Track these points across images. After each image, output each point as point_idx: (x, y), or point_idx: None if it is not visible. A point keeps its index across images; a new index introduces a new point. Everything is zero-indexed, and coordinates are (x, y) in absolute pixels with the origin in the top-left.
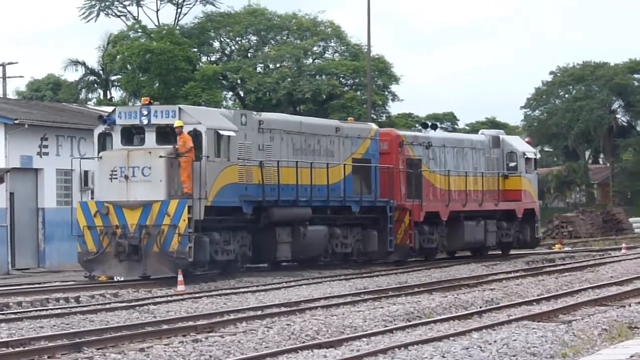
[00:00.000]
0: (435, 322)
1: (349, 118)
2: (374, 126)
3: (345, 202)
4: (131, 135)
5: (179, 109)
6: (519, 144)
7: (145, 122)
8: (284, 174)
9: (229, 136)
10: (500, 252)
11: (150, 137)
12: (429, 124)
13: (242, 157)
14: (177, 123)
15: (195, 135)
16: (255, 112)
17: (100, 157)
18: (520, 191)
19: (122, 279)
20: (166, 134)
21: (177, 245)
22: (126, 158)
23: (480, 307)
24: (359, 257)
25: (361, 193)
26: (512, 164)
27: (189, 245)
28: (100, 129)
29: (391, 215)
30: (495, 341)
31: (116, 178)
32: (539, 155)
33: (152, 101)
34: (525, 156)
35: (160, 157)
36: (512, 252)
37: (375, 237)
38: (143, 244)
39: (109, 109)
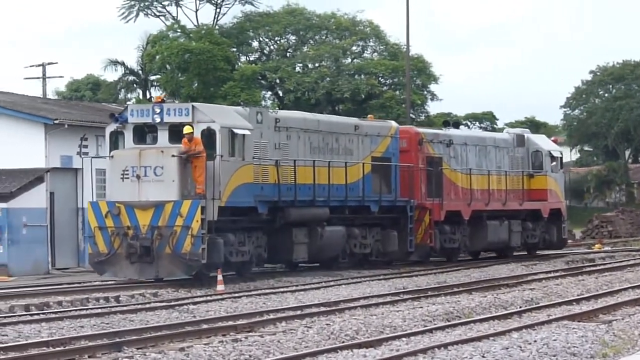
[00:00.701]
0: (474, 322)
1: (368, 116)
2: (393, 124)
3: (364, 201)
4: (143, 133)
5: (192, 107)
6: (545, 143)
7: (158, 120)
8: (301, 174)
9: (243, 135)
10: (526, 253)
11: (163, 136)
12: (451, 122)
13: (258, 156)
14: (186, 129)
15: (209, 133)
16: (271, 110)
17: (112, 156)
18: (546, 190)
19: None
20: (179, 133)
21: (190, 246)
22: (138, 157)
23: (520, 307)
24: (379, 258)
25: (380, 192)
26: (537, 163)
27: (202, 246)
28: (112, 127)
29: (411, 215)
30: (535, 341)
31: (128, 178)
32: (576, 155)
33: (164, 99)
34: (551, 155)
35: (173, 156)
36: (549, 252)
37: (395, 237)
38: (155, 245)
39: None
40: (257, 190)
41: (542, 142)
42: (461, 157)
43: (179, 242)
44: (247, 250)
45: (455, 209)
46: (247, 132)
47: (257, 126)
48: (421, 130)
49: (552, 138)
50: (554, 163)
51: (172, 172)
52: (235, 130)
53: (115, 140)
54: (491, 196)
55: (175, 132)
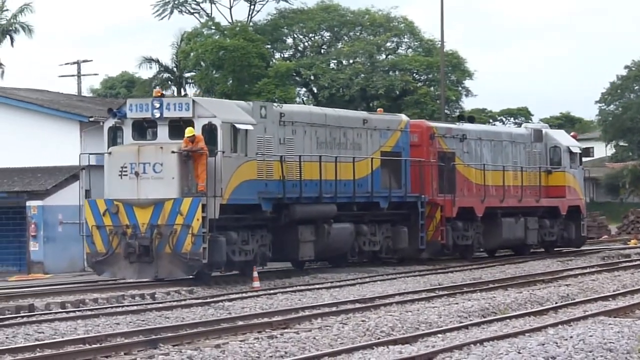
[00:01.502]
0: (510, 318)
1: (378, 109)
2: (404, 117)
3: (373, 197)
4: (143, 129)
5: (193, 101)
6: (563, 138)
7: (158, 115)
8: (307, 169)
9: (246, 130)
10: (543, 251)
11: (163, 131)
12: (465, 116)
13: (262, 152)
14: (189, 132)
15: (210, 129)
16: (276, 104)
17: (110, 153)
18: (564, 187)
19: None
20: (179, 128)
21: (190, 246)
22: (136, 153)
23: (556, 303)
24: (388, 255)
25: (390, 188)
26: (555, 159)
27: (202, 246)
28: (110, 122)
29: (422, 211)
30: (571, 337)
31: (126, 175)
32: (611, 150)
33: (163, 93)
34: (570, 151)
35: (173, 152)
36: (585, 248)
37: (406, 233)
38: (154, 244)
39: None
40: (261, 187)
41: (561, 137)
42: (475, 152)
43: (179, 241)
44: (251, 249)
45: (468, 205)
46: (249, 127)
47: (260, 121)
48: (433, 124)
49: (572, 133)
50: (573, 159)
51: (172, 169)
52: (238, 125)
53: (114, 136)
54: (506, 192)
55: (176, 128)
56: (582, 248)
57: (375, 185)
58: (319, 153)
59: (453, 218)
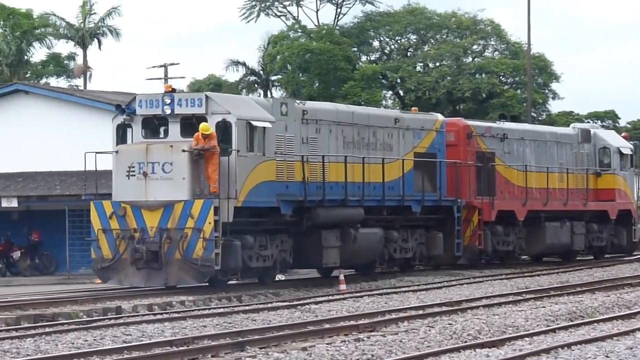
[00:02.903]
0: (598, 321)
1: (412, 108)
2: (439, 117)
3: (405, 201)
4: (153, 126)
5: (206, 96)
6: (613, 139)
7: (168, 111)
8: (331, 170)
9: (264, 127)
10: (593, 258)
11: (175, 129)
12: (507, 115)
13: (282, 152)
14: (203, 128)
15: (225, 126)
16: (298, 101)
17: (117, 152)
18: (614, 190)
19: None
20: (192, 125)
21: (201, 251)
22: (145, 152)
23: None
24: (422, 263)
25: (423, 191)
26: (605, 161)
27: (215, 251)
28: (118, 119)
29: (459, 216)
30: None
31: (134, 175)
32: None
33: (175, 89)
34: (620, 152)
35: (183, 151)
36: (638, 254)
37: (441, 239)
38: (164, 249)
39: None
40: (281, 188)
41: (611, 138)
42: (517, 152)
43: (190, 246)
44: (269, 255)
45: (508, 208)
46: (267, 124)
47: (281, 118)
48: (471, 123)
49: (623, 134)
50: (624, 161)
51: (183, 169)
52: (254, 123)
53: (123, 134)
54: (550, 195)
55: (188, 125)
56: (635, 254)
57: (407, 189)
58: (345, 153)
59: (492, 222)
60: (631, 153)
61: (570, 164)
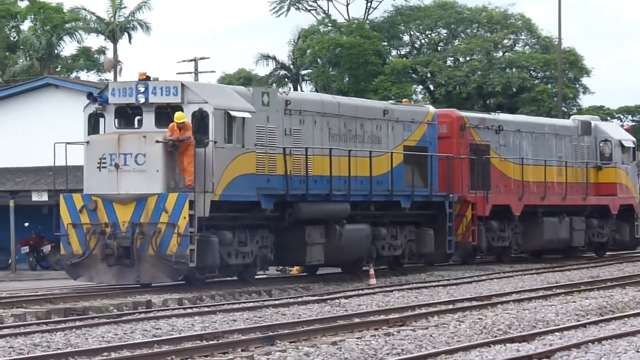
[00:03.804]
0: (628, 316)
1: (403, 100)
2: (431, 109)
3: (393, 196)
4: (127, 116)
5: (182, 84)
6: (615, 131)
7: (142, 100)
8: (315, 164)
9: (243, 118)
10: (595, 255)
11: (149, 119)
12: (503, 107)
13: (262, 144)
14: (178, 117)
15: (201, 116)
16: (281, 91)
17: (88, 142)
18: (615, 184)
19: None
20: (167, 115)
21: (176, 247)
22: (117, 143)
23: None
24: (412, 261)
25: (413, 186)
26: (606, 154)
27: (190, 247)
28: (90, 108)
29: (450, 212)
30: None
31: (105, 167)
32: None
33: (149, 76)
34: (622, 145)
35: (157, 142)
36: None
37: (432, 236)
38: (136, 245)
39: None
40: (262, 182)
41: (613, 130)
42: (513, 144)
43: (164, 242)
44: (249, 251)
45: (503, 202)
46: (247, 114)
47: (262, 109)
48: (464, 114)
49: (625, 127)
50: (626, 154)
51: (156, 161)
52: (233, 113)
53: (95, 124)
54: (548, 189)
55: (163, 115)
56: (638, 250)
57: (397, 183)
58: (330, 146)
59: (486, 217)
60: (633, 146)
61: (569, 157)
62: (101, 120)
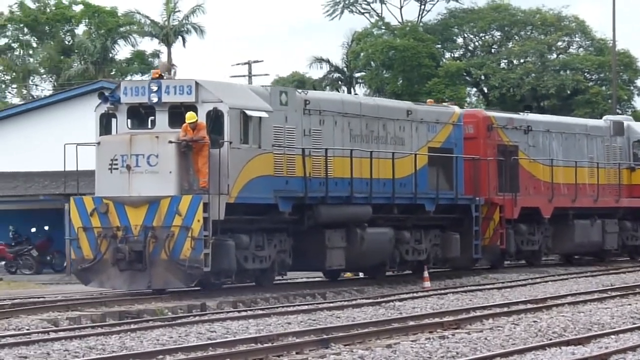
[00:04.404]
0: None
1: (428, 100)
2: (456, 109)
3: (417, 199)
4: (139, 116)
5: (196, 83)
6: None
7: (155, 99)
8: (335, 165)
9: (259, 117)
10: (628, 258)
11: (162, 119)
12: (532, 106)
13: (280, 144)
14: (189, 117)
15: (216, 115)
16: (300, 90)
17: (99, 143)
18: None
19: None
20: (181, 115)
21: (189, 251)
22: (128, 144)
23: None
24: (437, 265)
25: (438, 189)
26: None
27: (204, 251)
28: (102, 108)
29: (477, 215)
30: None
31: (117, 168)
32: None
33: (163, 75)
34: None
35: (170, 142)
36: None
37: (457, 241)
38: (148, 249)
39: None
40: (279, 184)
41: None
42: (543, 145)
43: (177, 245)
44: (267, 256)
45: (532, 205)
46: (264, 114)
47: (280, 108)
48: (491, 114)
49: None
50: None
51: (169, 162)
52: (249, 112)
53: (107, 124)
54: (579, 191)
55: (177, 114)
56: None
57: (421, 186)
58: (351, 147)
59: (515, 220)
60: None
61: (601, 158)
62: (113, 120)
